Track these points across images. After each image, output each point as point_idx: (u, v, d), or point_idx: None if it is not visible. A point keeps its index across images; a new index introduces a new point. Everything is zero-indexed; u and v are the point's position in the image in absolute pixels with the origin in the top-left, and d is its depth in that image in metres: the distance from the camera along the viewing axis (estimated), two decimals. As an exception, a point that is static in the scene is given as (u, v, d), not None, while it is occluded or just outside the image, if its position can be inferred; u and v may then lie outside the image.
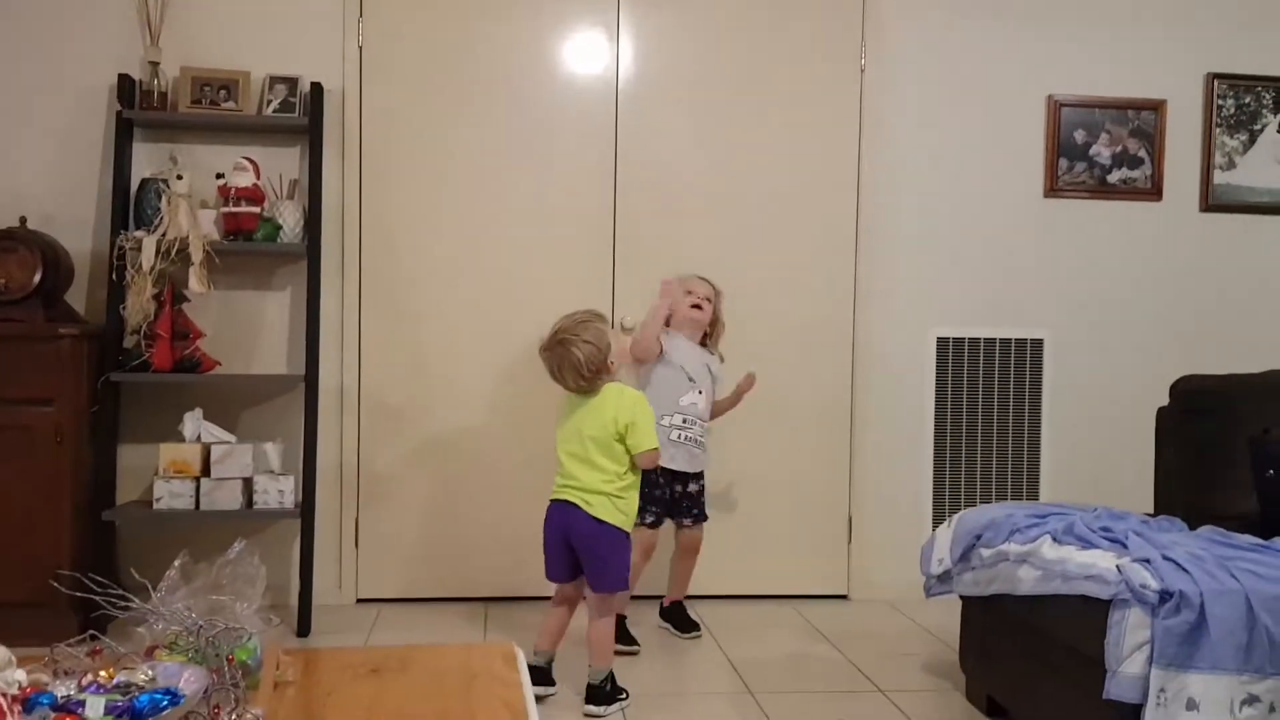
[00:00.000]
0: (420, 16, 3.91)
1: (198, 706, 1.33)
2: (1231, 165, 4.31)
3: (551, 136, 3.99)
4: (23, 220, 3.55)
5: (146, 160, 3.75)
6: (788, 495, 4.14)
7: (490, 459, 3.98)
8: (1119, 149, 4.24)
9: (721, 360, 3.66)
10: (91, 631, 1.51)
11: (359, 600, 3.96)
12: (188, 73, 3.71)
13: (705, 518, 3.67)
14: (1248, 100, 4.30)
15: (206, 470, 3.50)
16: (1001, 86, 4.19)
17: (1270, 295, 4.33)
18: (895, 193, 4.15)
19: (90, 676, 1.35)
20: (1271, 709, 2.17)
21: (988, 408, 4.22)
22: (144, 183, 3.64)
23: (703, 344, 3.62)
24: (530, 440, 3.89)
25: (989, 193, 4.21)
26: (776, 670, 3.30)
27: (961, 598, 3.00)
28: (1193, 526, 2.75)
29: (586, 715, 2.89)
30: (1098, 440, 4.20)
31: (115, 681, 1.35)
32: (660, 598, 3.79)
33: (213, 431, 3.57)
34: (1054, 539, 2.55)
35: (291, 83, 3.78)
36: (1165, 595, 2.17)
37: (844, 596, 4.19)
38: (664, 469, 3.43)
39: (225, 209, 3.61)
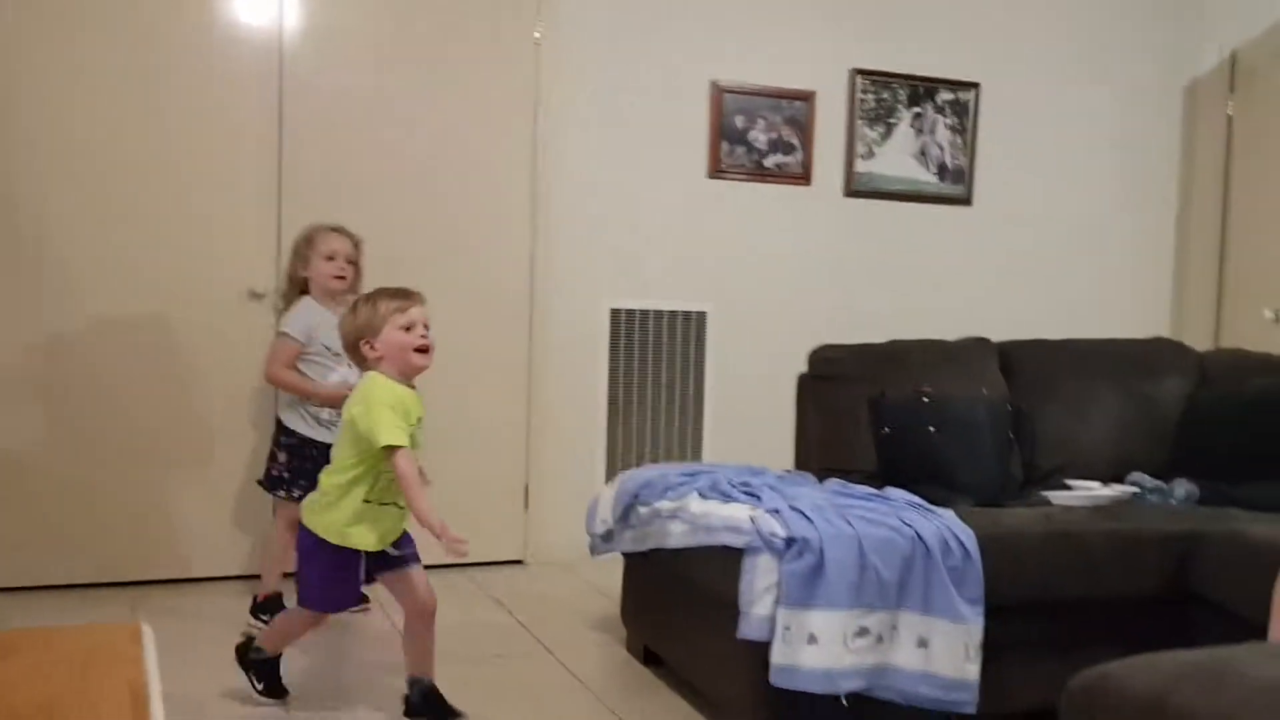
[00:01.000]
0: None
1: None
2: (871, 155, 4.75)
3: (208, 89, 3.78)
4: None
5: None
6: (465, 465, 4.17)
7: (136, 433, 3.75)
8: (775, 135, 4.56)
9: None
10: None
11: (-7, 591, 3.61)
12: None
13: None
14: (885, 95, 4.74)
15: None
16: (671, 69, 4.39)
17: (899, 274, 4.81)
18: (569, 167, 4.26)
19: None
20: (879, 639, 2.44)
21: (656, 376, 4.44)
22: None
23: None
24: (183, 410, 3.69)
25: (659, 172, 4.41)
26: (444, 638, 3.30)
27: (623, 555, 3.16)
28: (822, 480, 3.03)
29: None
30: (753, 405, 4.52)
31: None
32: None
33: None
34: (700, 495, 2.74)
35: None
36: (790, 542, 2.39)
37: (520, 562, 4.28)
38: (320, 444, 3.31)
39: None
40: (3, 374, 3.61)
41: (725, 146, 4.48)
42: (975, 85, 4.85)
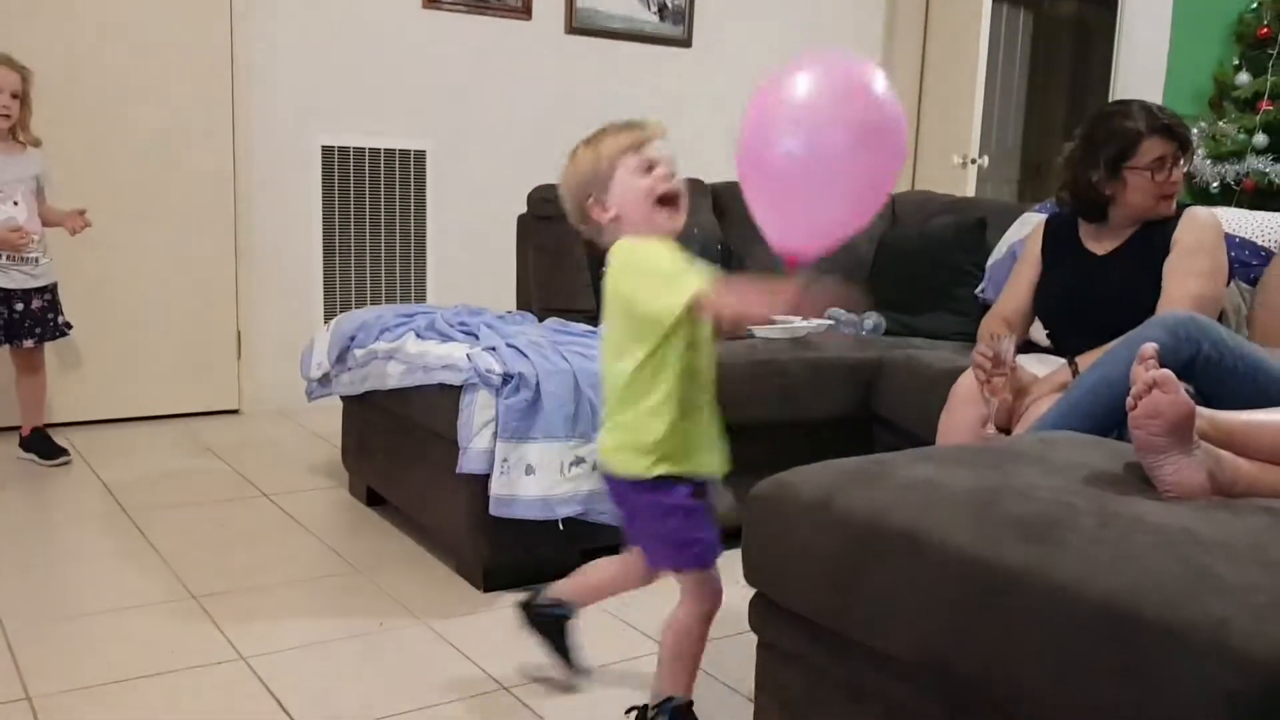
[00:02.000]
0: None
1: None
2: (593, -9, 4.67)
3: None
4: None
5: None
6: (171, 313, 3.93)
7: None
8: (494, -35, 4.39)
9: (39, 144, 3.27)
10: None
11: None
12: None
13: (62, 333, 3.36)
14: (606, -70, 4.65)
15: None
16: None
17: (620, 114, 4.77)
18: (272, -10, 3.95)
19: None
20: (594, 467, 2.54)
21: (375, 217, 4.30)
22: None
23: (14, 138, 3.22)
24: None
25: (371, 1, 4.16)
26: (156, 488, 3.19)
27: (341, 398, 3.11)
28: (542, 320, 3.07)
29: None
30: (475, 246, 4.47)
31: None
32: (16, 428, 3.44)
33: None
34: (417, 335, 2.72)
35: None
36: (507, 378, 2.42)
37: (235, 411, 4.13)
38: None
39: None
40: None
41: (442, -25, 4.29)
42: (695, -76, 4.84)
